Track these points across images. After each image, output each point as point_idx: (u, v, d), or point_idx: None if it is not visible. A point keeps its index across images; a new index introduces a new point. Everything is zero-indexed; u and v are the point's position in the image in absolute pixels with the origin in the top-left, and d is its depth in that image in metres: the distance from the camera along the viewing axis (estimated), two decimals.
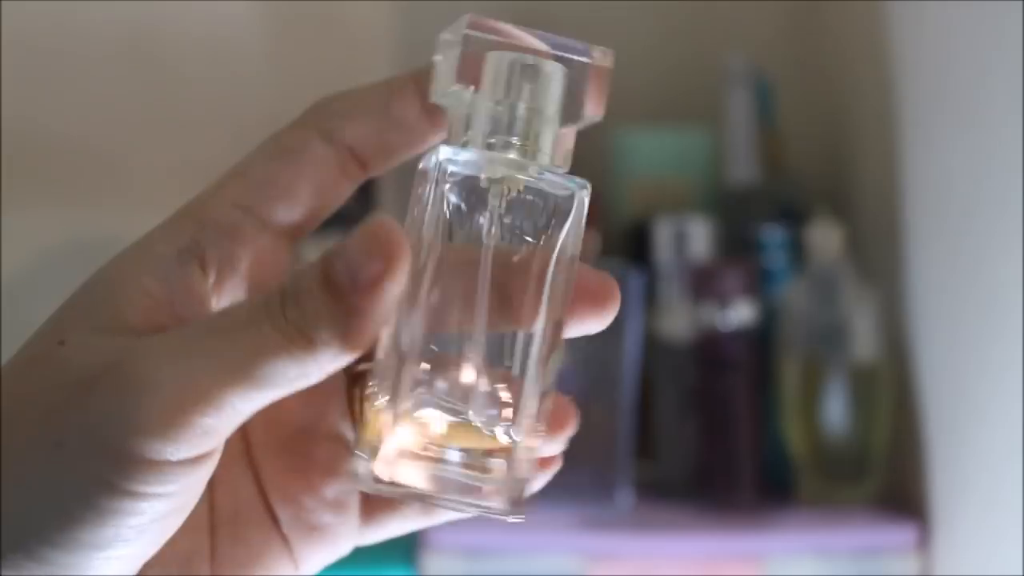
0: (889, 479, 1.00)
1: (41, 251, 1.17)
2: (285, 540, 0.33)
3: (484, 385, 0.30)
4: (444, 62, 0.30)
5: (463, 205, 0.29)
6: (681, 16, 1.21)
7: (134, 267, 0.30)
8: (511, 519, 0.31)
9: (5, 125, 1.13)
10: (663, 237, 1.05)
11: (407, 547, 0.92)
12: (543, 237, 0.30)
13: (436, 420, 0.30)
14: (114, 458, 0.27)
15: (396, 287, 0.27)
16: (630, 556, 0.94)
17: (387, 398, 0.30)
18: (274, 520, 0.33)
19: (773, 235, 1.06)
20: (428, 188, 0.29)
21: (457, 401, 0.30)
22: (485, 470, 0.30)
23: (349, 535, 0.34)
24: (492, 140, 0.30)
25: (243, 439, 0.33)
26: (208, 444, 0.28)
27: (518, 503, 0.30)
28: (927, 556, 0.93)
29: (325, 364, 0.28)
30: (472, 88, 0.30)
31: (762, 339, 1.01)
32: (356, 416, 0.33)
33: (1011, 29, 0.77)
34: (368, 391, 0.30)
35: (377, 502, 0.34)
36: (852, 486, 0.99)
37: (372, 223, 0.28)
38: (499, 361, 0.30)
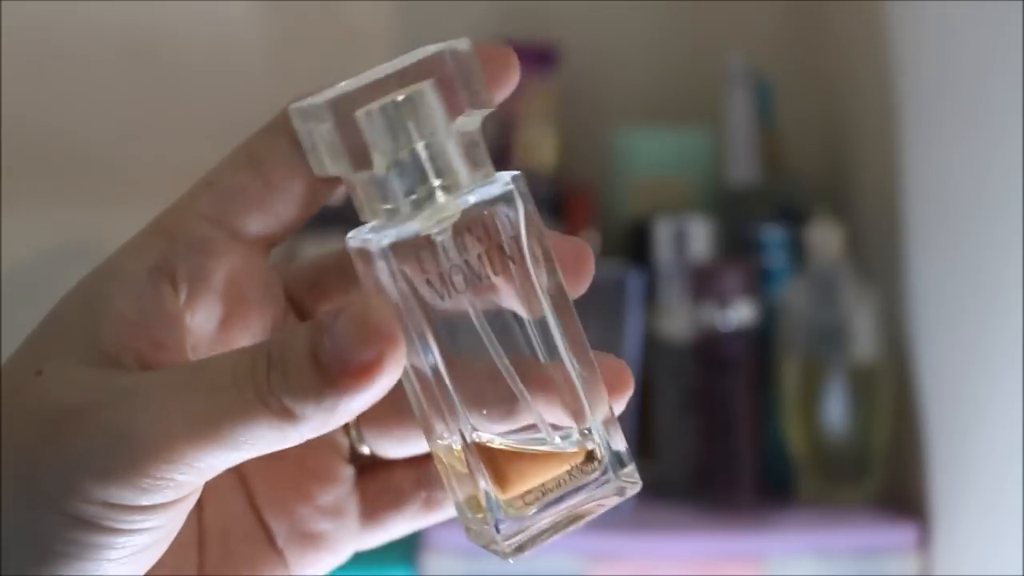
0: (889, 479, 1.00)
1: (41, 251, 1.17)
2: (279, 553, 0.33)
3: (541, 407, 0.30)
4: (317, 143, 0.29)
5: (420, 264, 0.29)
6: (681, 16, 1.21)
7: (106, 289, 0.30)
8: (630, 492, 0.30)
9: (5, 125, 1.13)
10: (663, 237, 1.05)
11: (407, 547, 0.92)
12: (507, 242, 0.29)
13: (524, 465, 0.30)
14: (86, 499, 0.27)
15: (389, 378, 0.27)
16: (630, 556, 0.94)
17: (466, 472, 0.29)
18: (267, 533, 0.33)
19: (773, 235, 1.06)
20: (379, 270, 0.28)
21: (529, 438, 0.30)
22: (587, 471, 0.30)
23: (348, 540, 0.34)
24: (414, 197, 0.28)
25: None
26: (180, 494, 0.28)
27: (629, 476, 0.30)
28: (927, 556, 0.93)
29: (306, 434, 0.28)
30: (359, 159, 0.28)
31: (762, 339, 1.01)
32: (347, 424, 0.33)
33: (1011, 29, 0.77)
34: (446, 472, 0.30)
35: (377, 503, 0.34)
36: (852, 486, 0.99)
37: (363, 308, 0.27)
38: (533, 369, 0.30)
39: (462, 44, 0.29)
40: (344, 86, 0.28)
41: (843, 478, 1.00)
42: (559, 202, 1.08)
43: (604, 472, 0.30)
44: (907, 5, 0.98)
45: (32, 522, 0.28)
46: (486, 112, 0.29)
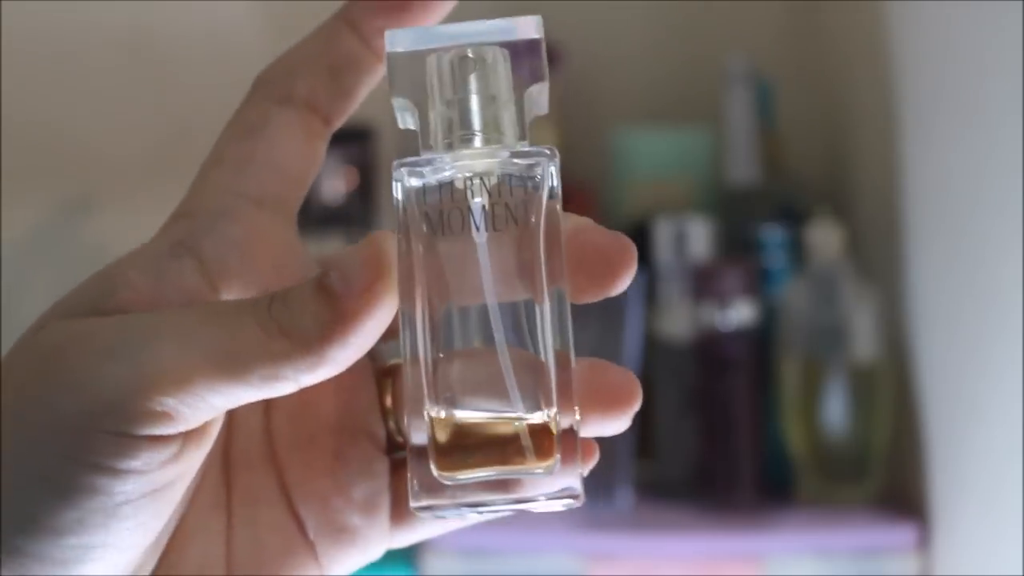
0: (889, 479, 1.00)
1: (41, 251, 1.17)
2: (310, 545, 0.32)
3: (510, 374, 0.30)
4: (394, 70, 0.30)
5: (444, 210, 0.29)
6: (681, 16, 1.21)
7: (124, 263, 0.30)
8: (563, 505, 0.30)
9: (5, 125, 1.13)
10: (663, 237, 1.05)
11: (407, 547, 0.92)
12: (527, 214, 0.30)
13: (471, 419, 0.29)
14: (71, 429, 0.27)
15: (388, 296, 0.27)
16: (630, 556, 0.94)
17: (425, 408, 0.29)
18: (298, 523, 0.32)
19: (773, 235, 1.06)
20: (404, 204, 0.29)
21: (488, 397, 0.30)
22: (526, 460, 0.30)
23: (379, 538, 0.33)
24: (451, 139, 0.30)
25: (267, 438, 0.32)
26: (172, 428, 0.27)
27: (571, 486, 0.30)
28: (927, 556, 0.93)
29: (301, 367, 0.27)
30: (419, 98, 0.30)
31: (762, 339, 1.01)
32: (386, 411, 0.33)
33: (1011, 29, 0.77)
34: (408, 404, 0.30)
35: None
36: (852, 486, 0.99)
37: (368, 237, 0.28)
38: (517, 345, 0.30)
39: (537, 24, 0.30)
40: (437, 29, 0.30)
41: (843, 478, 1.00)
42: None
43: (547, 472, 0.30)
44: (907, 5, 0.98)
45: (19, 463, 0.27)
46: (543, 86, 0.30)
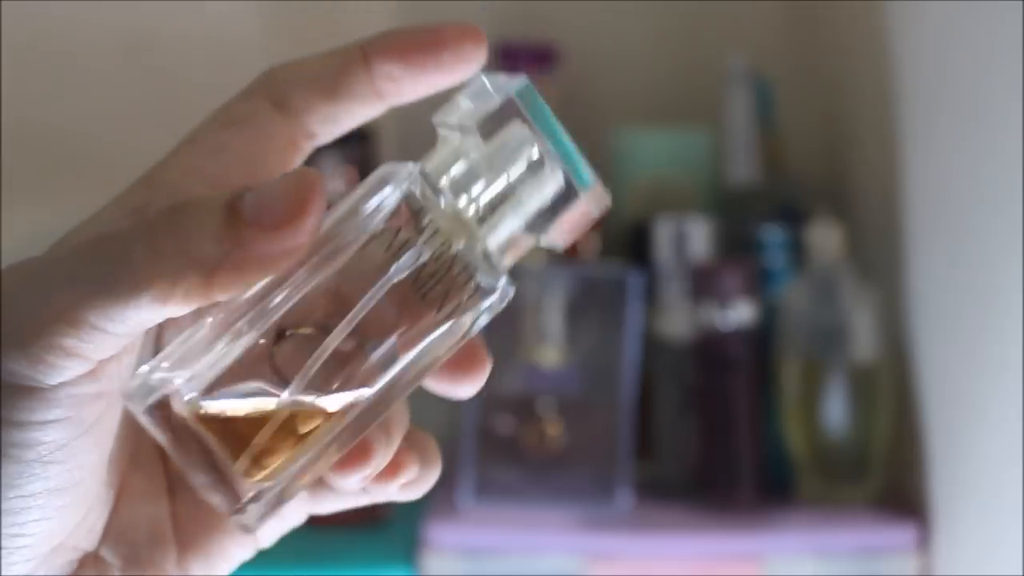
0: (889, 479, 1.00)
1: (41, 250, 1.16)
2: None
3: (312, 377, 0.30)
4: (473, 101, 0.30)
5: (397, 228, 0.29)
6: (681, 16, 1.21)
7: (84, 230, 0.30)
8: (237, 526, 0.30)
9: (5, 125, 1.13)
10: (663, 237, 1.05)
11: (407, 547, 0.92)
12: (444, 307, 0.30)
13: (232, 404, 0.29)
14: None
15: (300, 239, 0.27)
16: (630, 556, 0.94)
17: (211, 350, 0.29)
18: None
19: (773, 235, 1.06)
20: (383, 190, 0.29)
21: (273, 383, 0.30)
22: (232, 464, 0.29)
23: (298, 507, 0.34)
24: (461, 190, 0.29)
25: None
26: (76, 368, 0.27)
27: (252, 511, 0.30)
28: (927, 556, 0.93)
29: (192, 290, 0.27)
30: (477, 138, 0.29)
31: (762, 339, 1.01)
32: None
33: (1011, 29, 0.77)
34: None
35: None
36: (852, 486, 0.99)
37: (302, 173, 0.27)
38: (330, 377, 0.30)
39: (600, 200, 0.31)
40: (548, 115, 0.31)
41: (843, 478, 1.00)
42: None
43: (250, 496, 0.30)
44: (907, 5, 0.98)
45: None
46: (550, 245, 0.31)
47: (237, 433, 0.29)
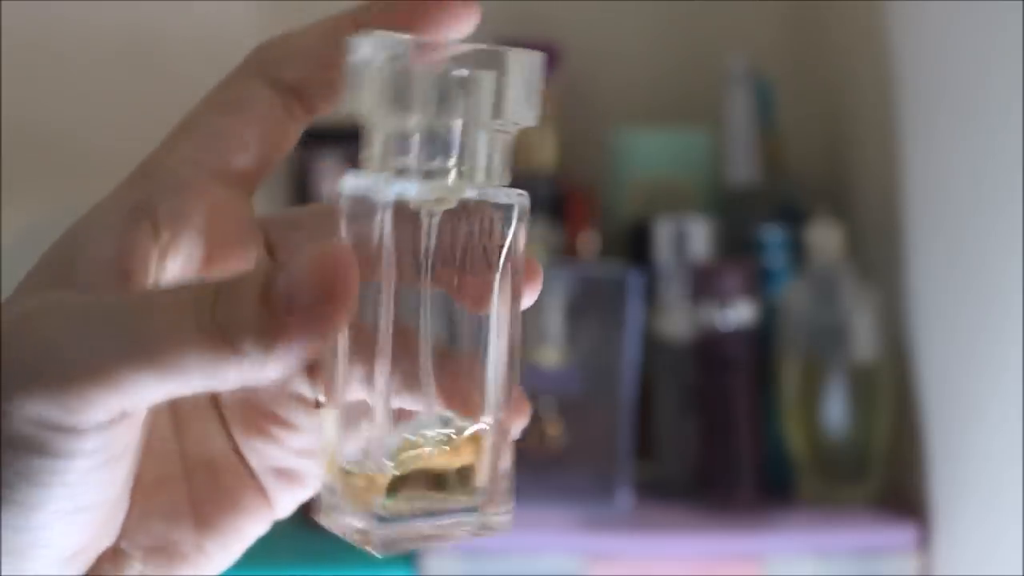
0: (889, 479, 1.00)
1: (41, 251, 1.16)
2: (259, 484, 0.33)
3: (438, 407, 0.30)
4: (364, 78, 0.29)
5: (402, 232, 0.28)
6: (681, 16, 1.21)
7: (85, 230, 0.30)
8: (501, 529, 0.30)
9: (5, 125, 1.13)
10: (663, 237, 1.05)
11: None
12: (484, 251, 0.29)
13: (411, 459, 0.29)
14: (16, 416, 0.27)
15: (337, 323, 0.27)
16: (630, 556, 0.94)
17: (361, 449, 0.29)
18: (246, 467, 0.33)
19: (773, 235, 1.06)
20: (375, 222, 0.28)
21: (422, 428, 0.30)
22: (463, 490, 0.30)
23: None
24: (427, 167, 0.28)
25: (212, 394, 0.33)
26: (110, 415, 0.27)
27: (505, 507, 0.30)
28: (927, 556, 0.93)
29: (246, 374, 0.27)
30: (399, 109, 0.28)
31: (762, 339, 1.01)
32: (314, 377, 0.33)
33: (1011, 29, 0.77)
34: (330, 437, 0.30)
35: None
36: (852, 486, 0.99)
37: (325, 247, 0.27)
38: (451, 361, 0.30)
39: (536, 57, 0.29)
40: (420, 41, 0.29)
41: (843, 478, 1.00)
42: (559, 202, 1.08)
43: (472, 511, 0.30)
44: (907, 5, 0.98)
45: None
46: (527, 124, 0.29)
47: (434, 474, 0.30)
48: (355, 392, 0.29)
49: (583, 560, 0.93)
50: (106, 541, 0.30)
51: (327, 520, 0.30)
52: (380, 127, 0.29)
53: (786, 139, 1.14)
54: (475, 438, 0.30)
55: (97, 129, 1.16)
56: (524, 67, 0.29)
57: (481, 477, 0.30)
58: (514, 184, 0.30)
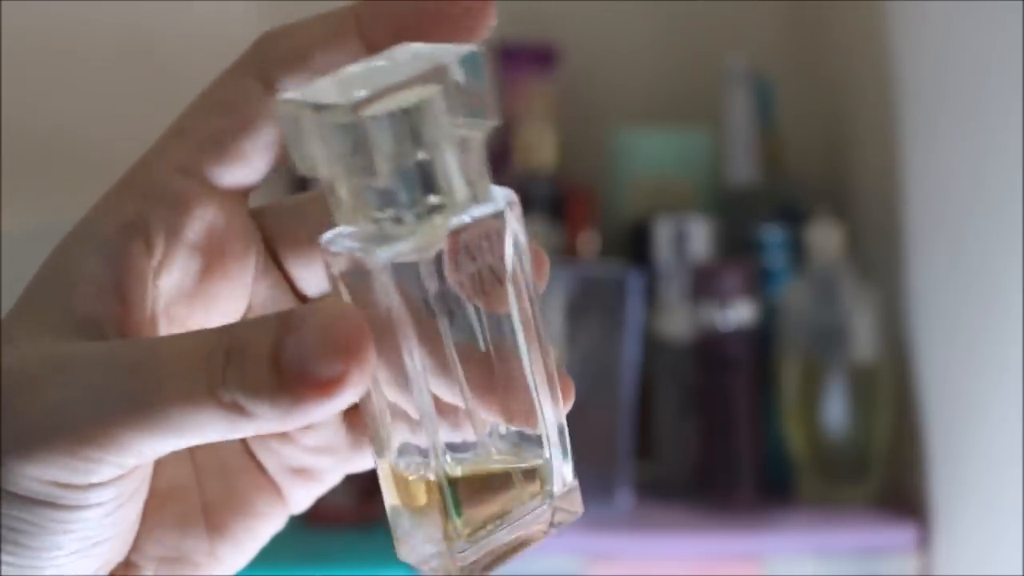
0: (889, 479, 1.00)
1: (41, 251, 1.17)
2: (274, 484, 0.33)
3: (497, 428, 0.29)
4: (305, 139, 0.27)
5: (406, 284, 0.27)
6: (681, 16, 1.21)
7: (78, 251, 0.29)
8: (568, 521, 0.30)
9: (5, 125, 1.13)
10: (663, 237, 1.05)
11: None
12: (491, 263, 0.28)
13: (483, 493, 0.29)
14: (26, 477, 0.27)
15: (350, 395, 0.26)
16: (630, 556, 0.94)
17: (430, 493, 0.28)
18: (260, 467, 0.33)
19: (773, 235, 1.06)
20: (375, 286, 0.27)
21: (486, 458, 0.29)
22: (533, 495, 0.29)
23: (336, 470, 0.33)
24: (407, 213, 0.27)
25: None
26: (120, 472, 0.27)
27: (569, 503, 0.30)
28: (927, 556, 0.93)
29: (260, 431, 0.27)
30: (359, 164, 0.26)
31: (762, 339, 1.01)
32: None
33: (1011, 29, 0.77)
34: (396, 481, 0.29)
35: (363, 429, 0.33)
36: (852, 486, 0.99)
37: (335, 310, 0.26)
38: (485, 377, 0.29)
39: (474, 49, 0.27)
40: (349, 80, 0.27)
41: (843, 478, 1.00)
42: (559, 202, 1.08)
43: (545, 498, 0.30)
44: (907, 5, 0.98)
45: None
46: (490, 124, 0.27)
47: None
48: (403, 436, 0.29)
49: (583, 560, 0.93)
50: (118, 558, 0.30)
51: (402, 552, 0.29)
52: (342, 182, 0.27)
53: (786, 139, 1.14)
54: (536, 439, 0.30)
55: (97, 129, 1.16)
56: (466, 66, 0.27)
57: (546, 469, 0.29)
58: (514, 185, 0.29)
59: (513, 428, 0.30)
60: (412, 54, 0.27)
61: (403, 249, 0.27)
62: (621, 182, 1.14)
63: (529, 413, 0.29)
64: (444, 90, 0.26)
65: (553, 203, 1.07)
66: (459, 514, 0.28)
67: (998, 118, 0.81)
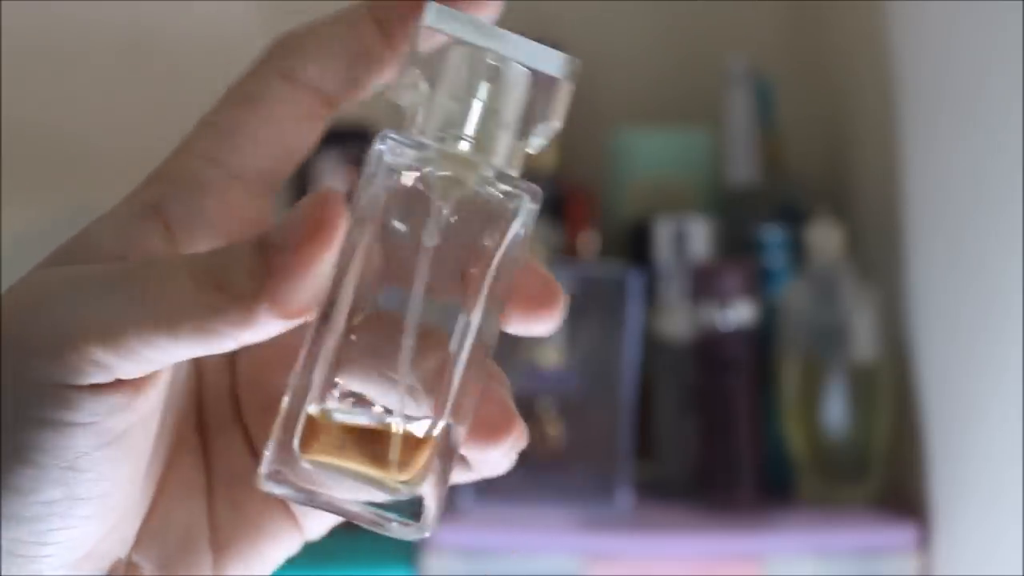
0: (889, 479, 1.00)
1: (41, 252, 1.17)
2: (285, 505, 0.32)
3: (408, 383, 0.29)
4: (408, 52, 0.30)
5: (409, 197, 0.28)
6: (681, 16, 1.21)
7: (97, 228, 0.30)
8: (410, 535, 0.29)
9: (5, 125, 1.13)
10: (663, 237, 1.05)
11: (407, 547, 0.92)
12: (486, 240, 0.29)
13: (345, 420, 0.29)
14: (12, 385, 0.27)
15: (325, 251, 0.27)
16: (630, 556, 0.94)
17: (299, 391, 0.29)
18: None
19: (773, 235, 1.06)
20: (374, 174, 0.28)
21: (376, 399, 0.29)
22: (389, 482, 0.29)
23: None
24: (443, 134, 0.29)
25: (234, 402, 0.33)
26: (109, 377, 0.27)
27: (421, 516, 0.29)
28: (927, 556, 0.93)
29: (233, 322, 0.27)
30: (430, 81, 0.29)
31: (762, 339, 1.01)
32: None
33: (1011, 29, 0.77)
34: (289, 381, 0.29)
35: None
36: (852, 486, 0.99)
37: (317, 191, 0.27)
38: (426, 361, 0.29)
39: (572, 73, 0.29)
40: (489, 31, 0.30)
41: (843, 478, 1.00)
42: (559, 202, 1.08)
43: (394, 494, 0.29)
44: (907, 5, 0.98)
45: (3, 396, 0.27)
46: (548, 135, 0.30)
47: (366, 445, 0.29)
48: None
49: (583, 560, 0.93)
50: (118, 549, 0.30)
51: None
52: (412, 97, 0.29)
53: (786, 139, 1.14)
54: (427, 438, 0.29)
55: (97, 129, 1.16)
56: (553, 67, 0.29)
57: (412, 470, 0.29)
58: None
59: (422, 420, 0.29)
60: (533, 44, 0.30)
61: (413, 151, 0.28)
62: (621, 182, 1.14)
63: (437, 410, 0.29)
64: (530, 81, 0.29)
65: (553, 203, 1.07)
66: (298, 442, 0.28)
67: (998, 118, 0.81)
